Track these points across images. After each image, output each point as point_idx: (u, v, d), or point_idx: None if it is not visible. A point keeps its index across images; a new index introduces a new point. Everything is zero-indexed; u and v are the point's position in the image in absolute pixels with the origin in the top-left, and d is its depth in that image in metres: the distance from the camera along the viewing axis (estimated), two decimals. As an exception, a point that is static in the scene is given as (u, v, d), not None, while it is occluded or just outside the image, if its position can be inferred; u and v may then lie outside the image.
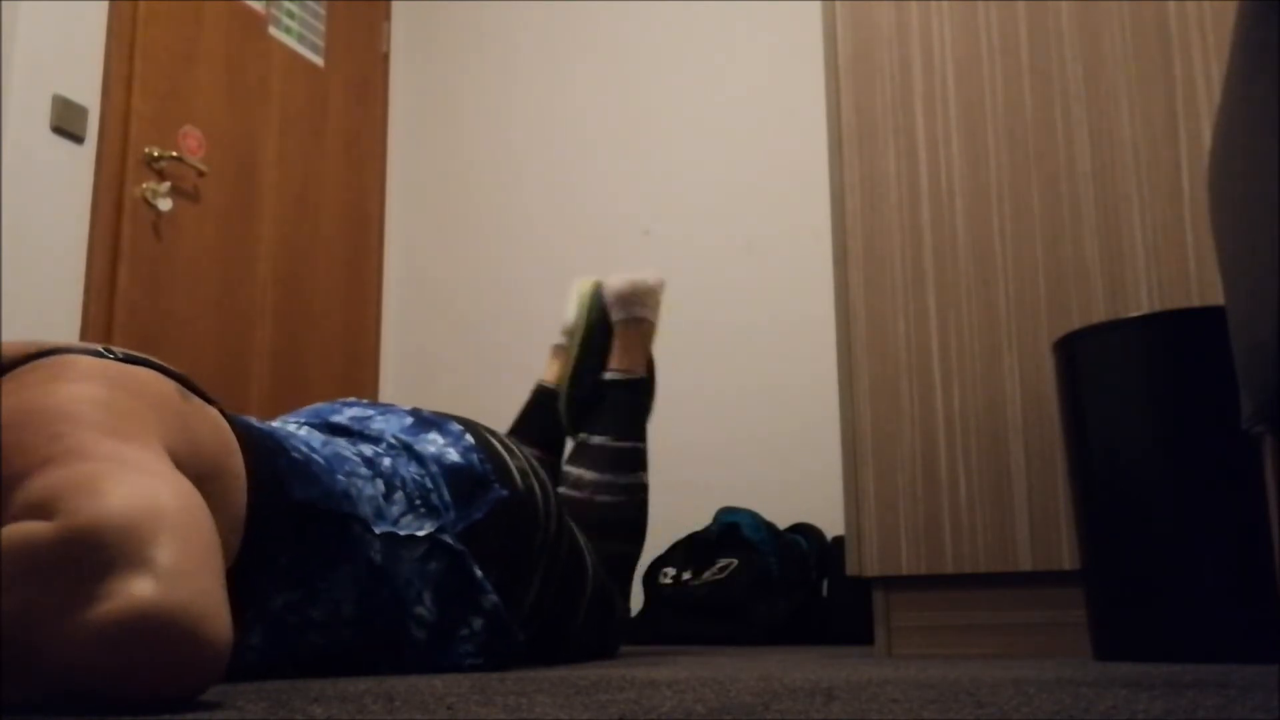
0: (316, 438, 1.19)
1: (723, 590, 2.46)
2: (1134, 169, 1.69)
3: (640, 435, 1.79)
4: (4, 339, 0.93)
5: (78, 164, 2.51)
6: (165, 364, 0.99)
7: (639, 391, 1.85)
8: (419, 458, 1.25)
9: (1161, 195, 1.66)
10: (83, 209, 2.51)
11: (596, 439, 1.75)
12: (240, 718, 0.64)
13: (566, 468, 1.73)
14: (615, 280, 1.93)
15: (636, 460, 1.75)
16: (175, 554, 0.69)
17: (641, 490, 1.74)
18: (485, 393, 3.30)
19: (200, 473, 0.89)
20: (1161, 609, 1.34)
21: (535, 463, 1.42)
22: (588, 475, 1.69)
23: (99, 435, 0.79)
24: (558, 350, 1.99)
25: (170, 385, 0.95)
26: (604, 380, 1.86)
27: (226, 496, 0.96)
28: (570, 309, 1.96)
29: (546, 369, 2.00)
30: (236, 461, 0.99)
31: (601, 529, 1.61)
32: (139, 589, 0.66)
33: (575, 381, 1.88)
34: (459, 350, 3.39)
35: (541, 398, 1.95)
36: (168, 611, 0.66)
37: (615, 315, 1.91)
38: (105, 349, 0.94)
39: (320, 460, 1.12)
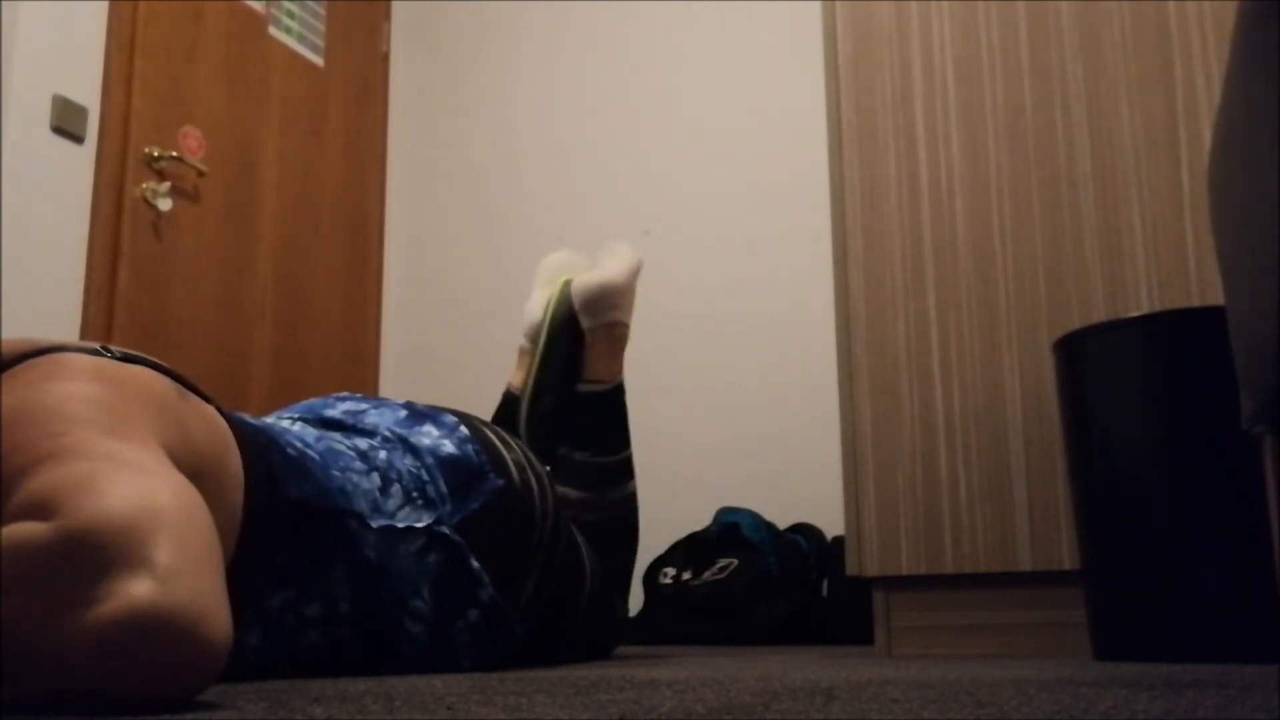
0: (310, 433, 1.19)
1: (723, 590, 2.46)
2: (1134, 169, 1.69)
3: (624, 444, 1.68)
4: (3, 338, 0.92)
5: (78, 164, 2.51)
6: (163, 363, 0.99)
7: (617, 400, 1.70)
8: (414, 450, 1.24)
9: (1161, 195, 1.66)
10: (83, 209, 2.51)
11: (579, 455, 1.64)
12: (240, 718, 0.64)
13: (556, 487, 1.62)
14: (582, 283, 1.71)
15: (622, 472, 1.65)
16: (174, 553, 0.69)
17: (629, 502, 1.65)
18: (485, 393, 3.29)
19: (197, 471, 0.89)
20: (1161, 609, 1.34)
21: (532, 456, 1.41)
22: (572, 494, 1.60)
23: (97, 434, 0.79)
24: (523, 354, 1.79)
25: (167, 384, 0.95)
26: (579, 393, 1.69)
27: (224, 495, 0.96)
28: (535, 304, 1.76)
29: (514, 372, 1.81)
30: (234, 459, 0.99)
31: (591, 548, 1.53)
32: (138, 589, 0.65)
33: (535, 399, 1.70)
34: (459, 350, 3.39)
35: (512, 404, 1.78)
36: (166, 611, 0.66)
37: (585, 323, 1.70)
38: (103, 347, 0.95)
39: (315, 456, 1.12)
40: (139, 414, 0.86)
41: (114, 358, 0.93)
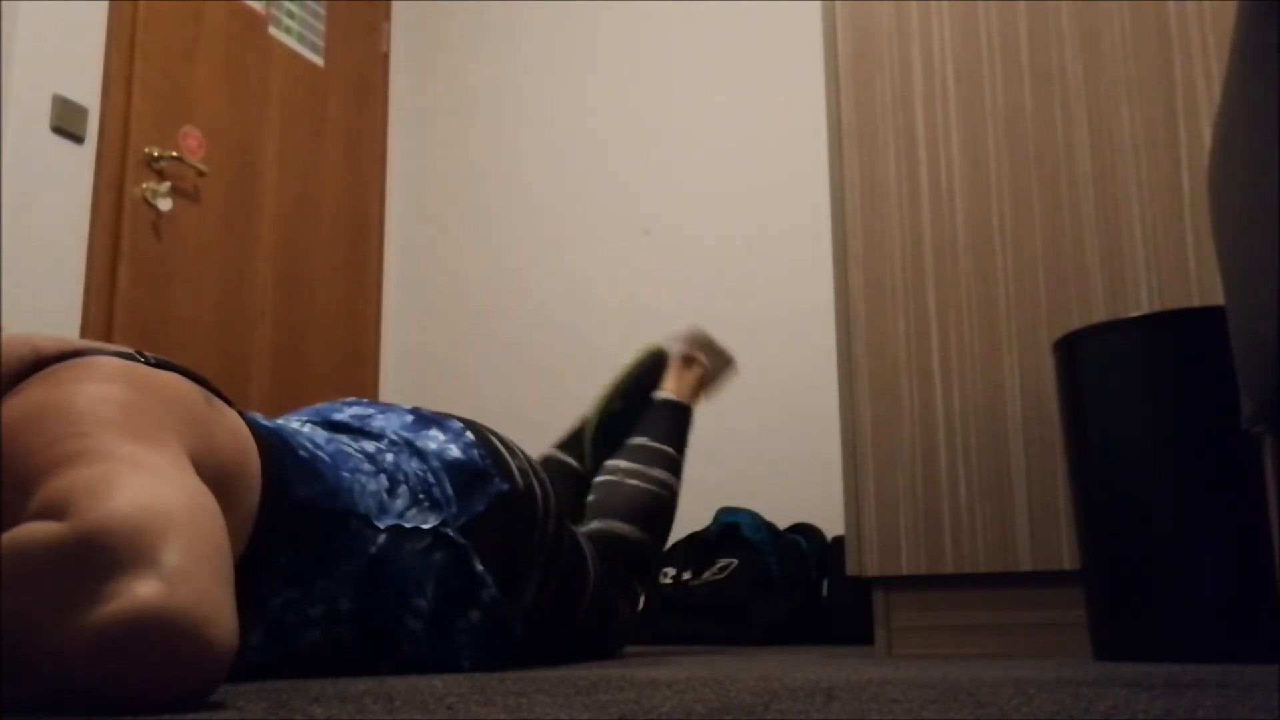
0: (320, 435, 1.20)
1: (723, 590, 2.46)
2: (1134, 169, 1.69)
3: (679, 447, 1.87)
4: (42, 337, 0.96)
5: (78, 164, 2.51)
6: (192, 370, 1.01)
7: (683, 414, 1.94)
8: (420, 453, 1.26)
9: (1161, 195, 1.66)
10: (83, 209, 2.51)
11: (637, 439, 1.84)
12: (240, 718, 0.64)
13: (606, 462, 1.83)
14: (688, 325, 2.11)
15: (671, 464, 1.82)
16: (181, 556, 0.69)
17: (671, 490, 1.79)
18: (485, 393, 3.30)
19: (220, 474, 0.91)
20: (1161, 609, 1.34)
21: (535, 463, 1.43)
22: (623, 463, 1.78)
23: (118, 436, 0.80)
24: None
25: (195, 390, 0.96)
26: (653, 399, 1.96)
27: (243, 496, 0.98)
28: (629, 355, 2.09)
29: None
30: (254, 465, 1.01)
31: (625, 511, 1.67)
32: (143, 589, 0.66)
33: (608, 405, 1.96)
34: (459, 350, 3.39)
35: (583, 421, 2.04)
36: (170, 612, 0.66)
37: (674, 349, 2.06)
38: (138, 353, 0.97)
39: (325, 458, 1.13)
40: (164, 418, 0.87)
41: (148, 363, 0.95)
